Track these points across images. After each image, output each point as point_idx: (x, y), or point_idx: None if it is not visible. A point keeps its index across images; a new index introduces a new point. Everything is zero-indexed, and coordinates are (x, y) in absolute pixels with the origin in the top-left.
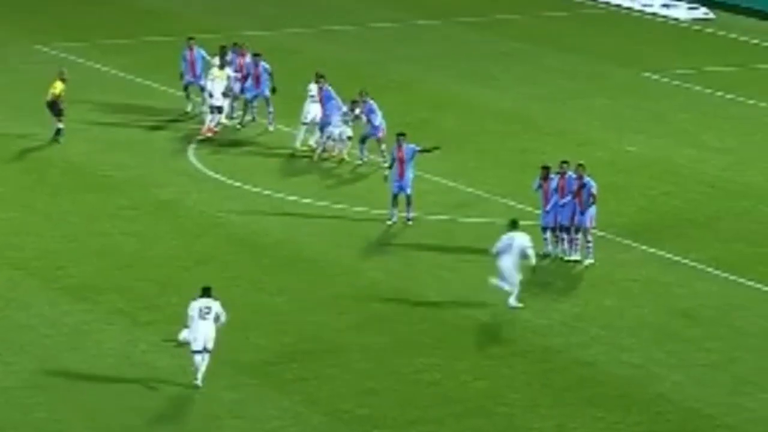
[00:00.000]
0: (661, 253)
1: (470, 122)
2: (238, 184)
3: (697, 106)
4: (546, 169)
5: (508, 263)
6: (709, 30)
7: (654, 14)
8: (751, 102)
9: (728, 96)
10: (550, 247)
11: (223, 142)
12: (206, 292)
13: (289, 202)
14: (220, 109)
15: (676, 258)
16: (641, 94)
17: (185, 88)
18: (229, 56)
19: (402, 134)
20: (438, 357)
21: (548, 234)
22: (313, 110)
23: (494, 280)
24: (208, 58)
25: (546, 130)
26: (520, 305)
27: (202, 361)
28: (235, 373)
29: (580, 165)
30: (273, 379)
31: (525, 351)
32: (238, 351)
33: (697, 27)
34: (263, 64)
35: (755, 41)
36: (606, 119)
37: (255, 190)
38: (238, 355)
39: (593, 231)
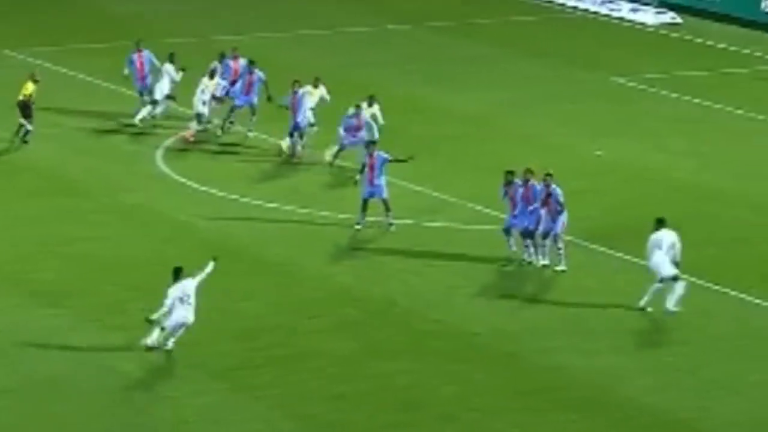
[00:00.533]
0: (630, 257)
1: (439, 126)
2: (204, 188)
3: (665, 111)
4: (510, 173)
5: (660, 259)
6: (677, 35)
7: (621, 19)
8: (719, 106)
9: (696, 100)
10: (514, 248)
11: (191, 147)
12: (178, 274)
13: (254, 207)
14: (200, 117)
15: (645, 263)
16: (610, 99)
17: (140, 95)
18: (215, 64)
19: (372, 142)
20: (407, 362)
21: (511, 238)
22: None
23: (670, 306)
24: (157, 63)
25: (515, 135)
26: (678, 309)
27: (178, 334)
28: (204, 378)
29: (547, 174)
30: (242, 384)
31: (493, 356)
32: (207, 356)
33: (664, 32)
34: (258, 72)
35: (723, 46)
36: (575, 124)
37: (221, 194)
38: (207, 360)
39: (563, 237)
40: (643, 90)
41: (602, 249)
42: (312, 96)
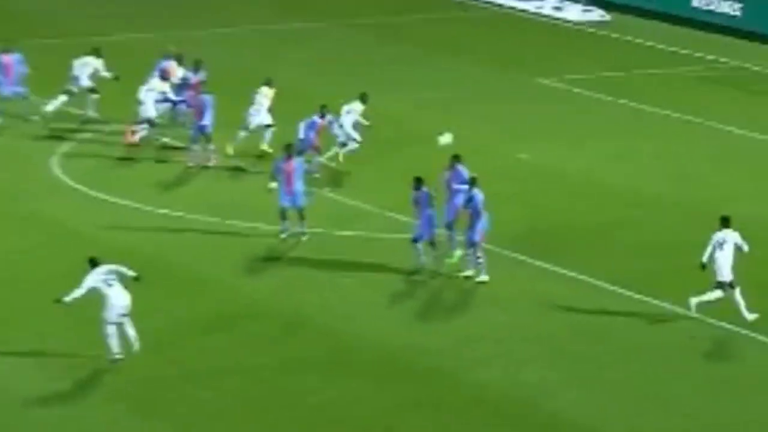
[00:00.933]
0: (556, 267)
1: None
2: (106, 196)
3: (593, 112)
4: (418, 180)
5: (724, 261)
6: (605, 33)
7: (547, 16)
8: (650, 108)
9: (623, 101)
10: (423, 259)
11: (91, 153)
12: (95, 262)
13: (159, 216)
14: (151, 122)
15: (571, 273)
16: (535, 100)
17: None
18: (165, 63)
19: (289, 145)
20: (323, 378)
21: (420, 246)
22: (257, 116)
23: (695, 300)
24: (25, 68)
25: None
26: (756, 315)
27: (116, 332)
28: (108, 397)
29: (472, 178)
30: (147, 403)
31: (415, 372)
32: (110, 373)
33: (592, 29)
34: (203, 72)
35: (652, 44)
36: (498, 125)
37: (124, 203)
38: (110, 377)
39: (483, 245)
40: (569, 91)
41: (521, 257)
42: (266, 97)
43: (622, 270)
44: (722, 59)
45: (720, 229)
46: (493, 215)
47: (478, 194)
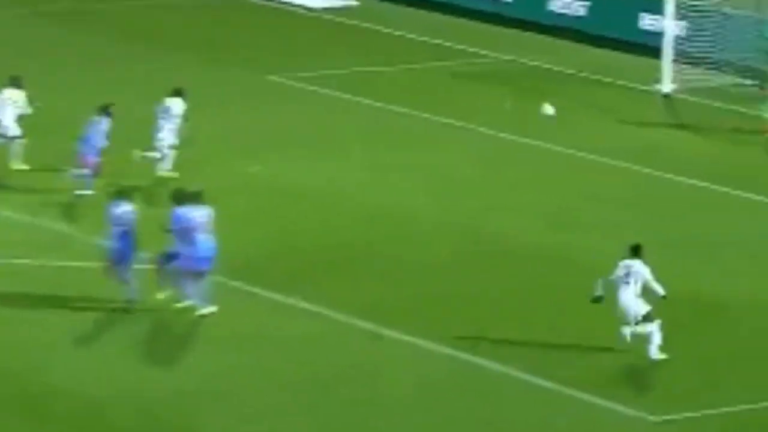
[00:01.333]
0: (295, 300)
1: (47, 140)
2: None
3: (334, 115)
4: (120, 193)
5: (628, 296)
6: (351, 21)
7: (277, 0)
8: (400, 109)
9: (378, 103)
10: (134, 291)
11: None
12: None
13: None
14: None
15: (313, 307)
16: (266, 101)
17: None
18: None
19: None
20: None
21: (130, 277)
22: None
23: (627, 330)
24: None
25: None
26: (663, 356)
27: None
28: None
29: (195, 193)
30: None
31: (127, 426)
32: None
33: (335, 18)
34: None
35: (406, 35)
36: (224, 134)
37: None
38: None
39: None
40: (309, 90)
41: (257, 289)
42: (14, 101)
43: (371, 300)
44: (489, 52)
45: (626, 258)
46: (219, 240)
47: (197, 214)
